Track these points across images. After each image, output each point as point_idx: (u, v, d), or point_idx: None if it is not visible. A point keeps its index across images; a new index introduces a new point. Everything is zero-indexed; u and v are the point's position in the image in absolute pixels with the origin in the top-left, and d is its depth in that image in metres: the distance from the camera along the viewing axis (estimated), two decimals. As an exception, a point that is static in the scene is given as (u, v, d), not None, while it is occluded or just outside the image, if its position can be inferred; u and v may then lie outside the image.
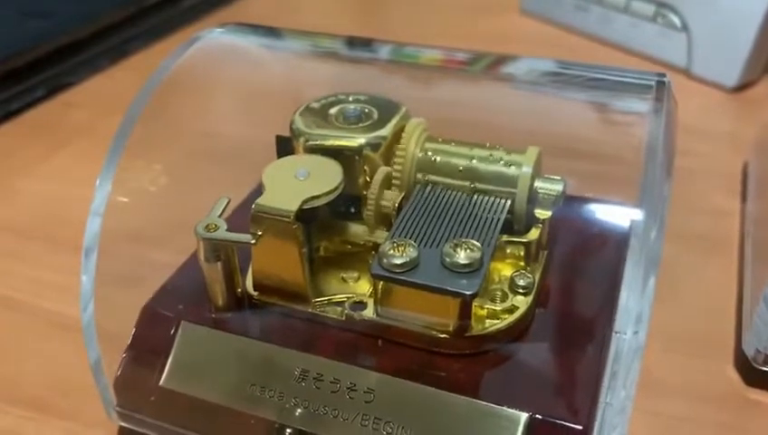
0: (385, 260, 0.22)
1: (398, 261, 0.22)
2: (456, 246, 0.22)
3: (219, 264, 0.24)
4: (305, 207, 0.23)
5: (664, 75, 0.24)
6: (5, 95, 0.49)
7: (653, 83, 0.24)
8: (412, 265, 0.22)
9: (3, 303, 0.35)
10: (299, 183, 0.24)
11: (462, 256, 0.22)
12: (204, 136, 0.34)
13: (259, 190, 0.24)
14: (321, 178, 0.24)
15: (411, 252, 0.22)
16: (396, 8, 0.69)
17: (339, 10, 0.69)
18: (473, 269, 0.22)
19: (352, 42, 0.31)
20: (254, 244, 0.23)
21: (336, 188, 0.24)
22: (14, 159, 0.46)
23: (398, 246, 0.22)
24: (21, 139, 0.48)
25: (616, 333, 0.19)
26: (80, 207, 0.40)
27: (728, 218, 0.38)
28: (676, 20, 0.51)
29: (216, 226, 0.23)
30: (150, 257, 0.29)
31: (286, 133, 0.27)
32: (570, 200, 0.25)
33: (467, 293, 0.21)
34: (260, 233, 0.23)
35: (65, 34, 0.53)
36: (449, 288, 0.21)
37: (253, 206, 0.23)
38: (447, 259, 0.22)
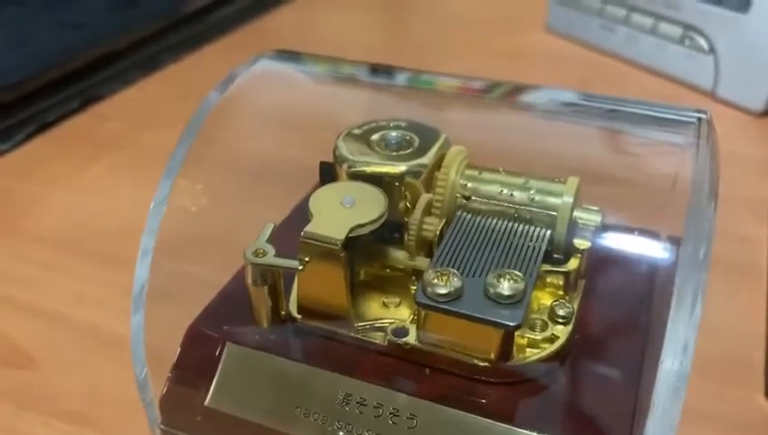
0: (429, 289, 0.22)
1: (443, 290, 0.22)
2: (500, 276, 0.22)
3: (266, 287, 0.24)
4: (352, 235, 0.23)
5: (704, 112, 0.24)
6: (41, 106, 0.50)
7: (694, 120, 0.24)
8: (456, 295, 0.22)
9: (43, 314, 0.35)
10: (345, 211, 0.24)
11: (505, 287, 0.22)
12: (242, 158, 0.34)
13: (297, 212, 0.25)
14: (367, 206, 0.24)
15: (455, 281, 0.22)
16: (420, 25, 0.70)
17: (363, 25, 0.70)
18: (516, 300, 0.22)
19: (382, 70, 0.32)
20: (301, 270, 0.24)
21: (381, 217, 0.24)
22: (49, 171, 0.47)
23: (441, 275, 0.23)
24: (56, 150, 0.49)
25: (661, 362, 0.19)
26: (114, 219, 0.42)
27: (756, 244, 0.38)
28: (703, 43, 0.51)
29: (264, 251, 0.24)
30: (191, 274, 0.30)
31: (325, 157, 0.28)
32: (606, 229, 0.26)
33: (511, 324, 0.22)
34: (307, 259, 0.23)
35: (98, 47, 0.54)
36: (493, 319, 0.22)
37: (302, 233, 0.23)
38: (491, 289, 0.22)
